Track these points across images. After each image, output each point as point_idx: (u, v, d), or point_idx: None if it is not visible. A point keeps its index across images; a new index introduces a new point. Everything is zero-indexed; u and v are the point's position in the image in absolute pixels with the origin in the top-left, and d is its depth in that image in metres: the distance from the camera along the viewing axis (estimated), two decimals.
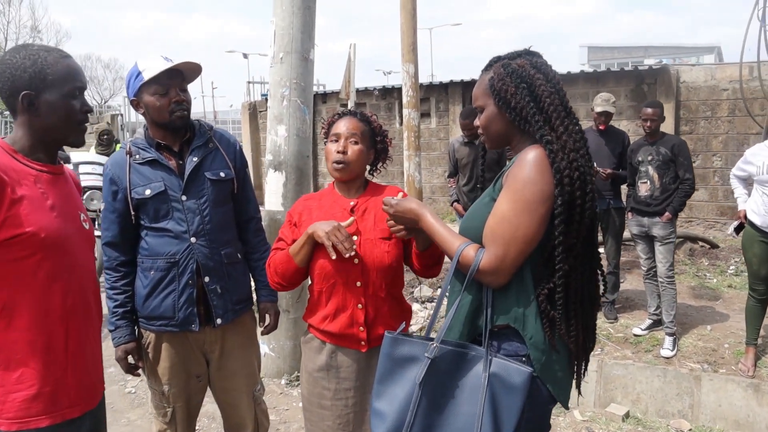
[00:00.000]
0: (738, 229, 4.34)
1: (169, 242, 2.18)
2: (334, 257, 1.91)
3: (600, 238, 5.35)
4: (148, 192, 2.17)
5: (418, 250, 2.02)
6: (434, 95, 10.39)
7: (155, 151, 2.21)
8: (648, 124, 4.54)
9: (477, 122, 1.79)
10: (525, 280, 1.61)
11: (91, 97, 41.64)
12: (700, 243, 7.46)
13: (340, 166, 2.05)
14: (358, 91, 10.77)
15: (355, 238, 2.02)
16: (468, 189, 5.31)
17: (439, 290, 6.11)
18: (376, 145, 2.17)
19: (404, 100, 6.93)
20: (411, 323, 5.51)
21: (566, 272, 1.59)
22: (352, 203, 2.09)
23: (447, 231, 1.70)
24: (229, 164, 2.31)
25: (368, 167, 2.19)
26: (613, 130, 5.10)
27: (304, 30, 3.96)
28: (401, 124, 10.23)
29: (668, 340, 4.52)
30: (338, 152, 2.05)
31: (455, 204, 5.42)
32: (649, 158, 4.57)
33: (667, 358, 4.43)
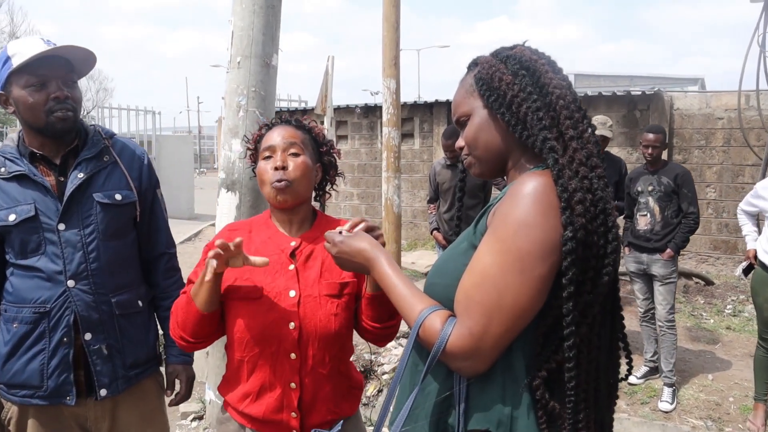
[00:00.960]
0: (747, 271, 3.89)
1: (39, 286, 1.66)
2: (208, 277, 1.41)
3: None
4: (12, 217, 1.64)
5: (368, 291, 1.53)
6: (418, 115, 9.97)
7: (27, 164, 1.69)
8: (649, 150, 4.09)
9: (460, 141, 1.30)
10: (514, 367, 1.11)
11: None
12: (695, 279, 7.03)
13: (282, 184, 1.54)
14: (339, 108, 10.33)
15: (292, 293, 1.53)
16: (449, 217, 4.82)
17: None
18: (322, 158, 1.68)
19: (384, 117, 6.46)
20: (384, 362, 5.00)
21: (577, 346, 1.10)
22: (293, 243, 1.59)
23: (406, 286, 1.20)
24: (131, 183, 1.79)
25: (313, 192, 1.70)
26: (609, 156, 4.67)
27: (266, 32, 3.48)
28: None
29: (667, 392, 4.05)
30: (276, 168, 1.55)
31: (435, 232, 4.94)
32: (650, 189, 4.13)
33: (666, 412, 3.96)
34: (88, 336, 1.69)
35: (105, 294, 1.72)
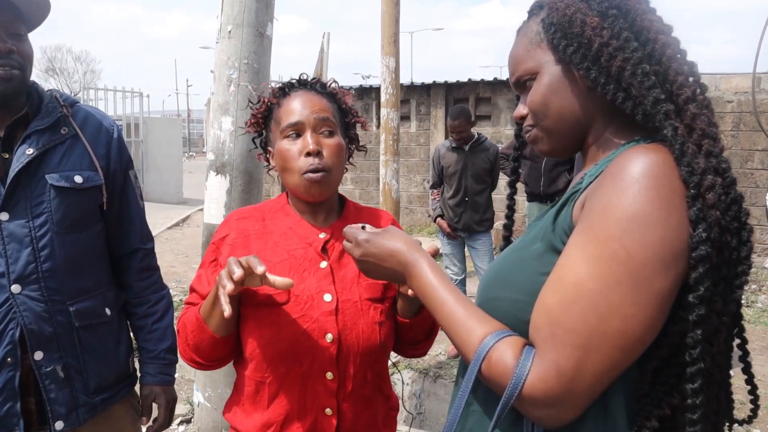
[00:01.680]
0: None
1: None
2: (227, 313, 1.03)
3: None
4: None
5: (403, 316, 1.27)
6: (415, 97, 9.63)
7: None
8: None
9: (521, 109, 0.99)
10: (611, 414, 0.82)
11: (60, 89, 40.48)
12: None
13: (319, 176, 1.23)
14: None
15: (328, 298, 1.23)
16: (455, 202, 4.52)
17: None
18: (348, 131, 1.37)
19: (383, 98, 6.11)
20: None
21: (699, 388, 0.79)
22: (322, 236, 1.28)
23: (459, 301, 0.90)
24: (95, 162, 1.45)
25: None
26: None
27: None
28: (378, 126, 9.44)
29: None
30: (309, 154, 1.23)
31: (439, 220, 4.63)
32: None
33: None
34: (38, 355, 1.36)
35: (61, 301, 1.39)
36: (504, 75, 8.84)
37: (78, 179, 1.41)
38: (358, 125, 1.38)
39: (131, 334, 1.61)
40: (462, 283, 4.66)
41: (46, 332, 1.37)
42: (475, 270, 4.62)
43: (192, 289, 1.30)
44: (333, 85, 1.36)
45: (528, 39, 0.97)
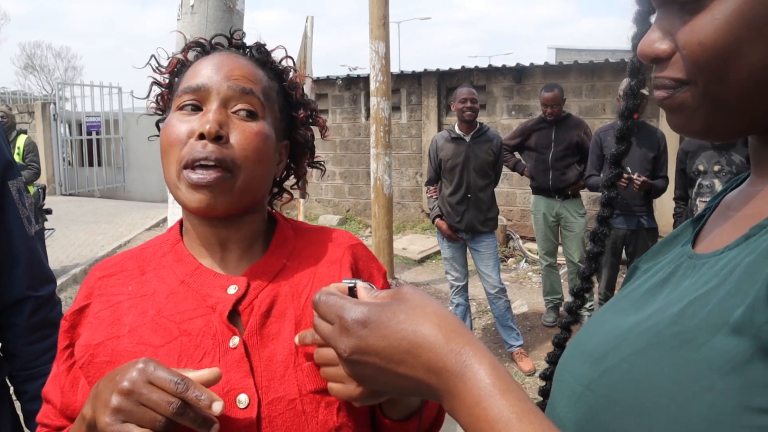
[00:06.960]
0: None
1: None
2: None
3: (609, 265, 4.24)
4: None
5: (388, 415, 0.79)
6: (405, 86, 9.16)
7: None
8: None
9: (658, 43, 0.55)
10: None
11: (41, 86, 39.81)
12: None
13: (207, 175, 0.75)
14: (319, 80, 9.49)
15: (243, 401, 0.74)
16: (456, 200, 4.06)
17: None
18: (294, 130, 0.91)
19: (372, 86, 5.69)
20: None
21: None
22: (232, 290, 0.80)
23: None
24: None
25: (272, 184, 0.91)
26: (644, 127, 3.95)
27: None
28: (368, 117, 9.00)
29: None
30: (201, 136, 0.76)
31: (438, 220, 4.17)
32: (716, 169, 3.42)
33: None
34: None
35: None
36: (496, 62, 8.36)
37: None
38: (308, 136, 0.94)
39: (21, 422, 1.15)
40: (464, 290, 4.22)
41: None
42: (479, 275, 4.18)
43: (46, 399, 0.81)
44: (278, 52, 0.91)
45: None
